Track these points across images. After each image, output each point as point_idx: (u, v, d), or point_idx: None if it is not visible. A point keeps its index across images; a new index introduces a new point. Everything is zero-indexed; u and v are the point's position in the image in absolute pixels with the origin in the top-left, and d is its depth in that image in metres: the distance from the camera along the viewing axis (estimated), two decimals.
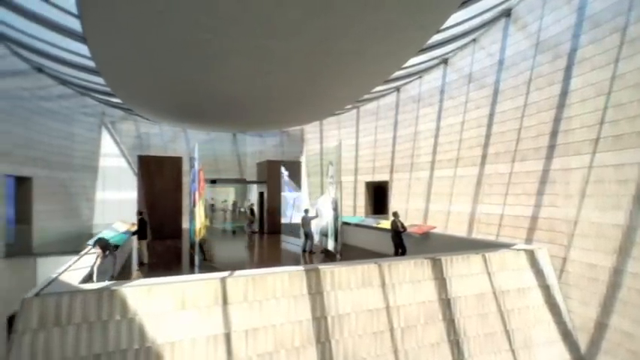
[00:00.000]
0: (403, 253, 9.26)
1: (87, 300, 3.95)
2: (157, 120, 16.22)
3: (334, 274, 5.16)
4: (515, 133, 9.49)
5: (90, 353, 3.85)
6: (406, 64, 10.91)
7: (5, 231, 9.85)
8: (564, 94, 8.22)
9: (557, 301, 6.63)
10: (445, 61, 12.33)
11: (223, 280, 4.55)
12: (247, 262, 10.35)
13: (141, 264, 9.32)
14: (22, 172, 10.77)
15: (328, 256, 10.15)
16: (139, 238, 9.48)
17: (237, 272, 4.89)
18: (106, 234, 9.14)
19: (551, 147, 8.49)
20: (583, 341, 7.10)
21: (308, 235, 10.92)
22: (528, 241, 8.72)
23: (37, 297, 3.82)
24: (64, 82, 12.64)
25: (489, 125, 10.41)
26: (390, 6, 6.07)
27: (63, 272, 4.88)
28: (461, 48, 11.56)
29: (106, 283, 4.46)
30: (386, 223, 10.99)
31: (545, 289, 6.61)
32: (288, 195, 15.08)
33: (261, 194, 16.17)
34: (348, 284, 5.21)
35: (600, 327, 6.85)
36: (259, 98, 11.00)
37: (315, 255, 10.58)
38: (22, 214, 11.12)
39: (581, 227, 7.48)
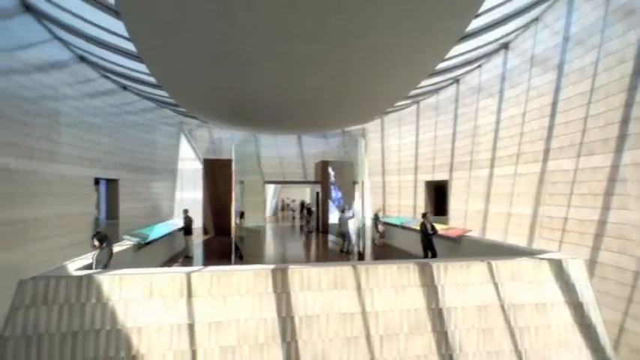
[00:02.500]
0: (434, 256, 8.60)
1: (69, 284, 4.62)
2: (218, 126, 17.53)
3: (303, 274, 5.08)
4: (580, 123, 8.12)
5: (69, 330, 4.50)
6: (458, 52, 10.04)
7: (95, 225, 11.80)
8: (637, 72, 6.79)
9: (593, 321, 5.44)
10: (506, 46, 11.03)
11: (189, 274, 4.86)
12: (275, 260, 10.64)
13: (186, 257, 10.32)
14: (110, 176, 12.76)
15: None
16: (185, 234, 10.49)
17: (206, 268, 5.16)
18: (151, 229, 10.30)
19: (622, 137, 7.09)
20: None
21: (345, 236, 10.81)
22: (595, 249, 7.40)
23: (31, 279, 4.62)
24: (146, 97, 14.61)
25: (552, 115, 9.06)
26: None
27: (75, 261, 5.74)
28: (522, 29, 10.24)
29: (96, 271, 5.14)
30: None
31: (577, 306, 5.47)
32: (333, 195, 15.07)
33: (317, 194, 16.47)
34: (319, 285, 5.06)
35: None
36: (299, 101, 11.21)
37: (351, 255, 10.42)
38: (111, 211, 13.21)
39: None
